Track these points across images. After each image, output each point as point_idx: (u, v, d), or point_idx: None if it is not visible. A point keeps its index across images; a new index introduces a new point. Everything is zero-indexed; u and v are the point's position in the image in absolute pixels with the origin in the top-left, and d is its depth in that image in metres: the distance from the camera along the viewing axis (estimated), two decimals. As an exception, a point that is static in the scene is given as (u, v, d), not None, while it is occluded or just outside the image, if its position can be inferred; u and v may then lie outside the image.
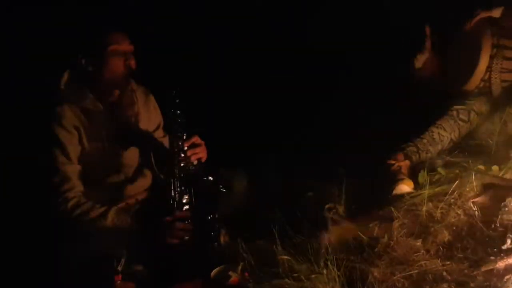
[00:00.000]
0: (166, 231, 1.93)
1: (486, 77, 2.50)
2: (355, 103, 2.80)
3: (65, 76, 2.05)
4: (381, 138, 2.50)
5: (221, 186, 2.09)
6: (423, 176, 2.19)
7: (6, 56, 2.60)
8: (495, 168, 2.12)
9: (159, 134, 2.25)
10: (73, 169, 2.01)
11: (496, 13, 2.49)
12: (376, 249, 1.85)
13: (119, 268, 1.83)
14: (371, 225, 2.00)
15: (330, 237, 1.93)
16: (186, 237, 1.94)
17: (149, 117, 2.22)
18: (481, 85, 2.52)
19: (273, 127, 2.87)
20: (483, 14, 2.51)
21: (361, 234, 1.95)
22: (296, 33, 3.09)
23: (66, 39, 2.15)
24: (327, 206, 2.22)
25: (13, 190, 2.42)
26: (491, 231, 1.79)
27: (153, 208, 2.07)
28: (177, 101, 1.99)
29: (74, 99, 2.03)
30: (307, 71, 3.06)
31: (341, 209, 2.20)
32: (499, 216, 1.81)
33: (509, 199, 1.83)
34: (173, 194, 1.97)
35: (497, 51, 2.47)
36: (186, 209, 1.97)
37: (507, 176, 2.06)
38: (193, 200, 1.99)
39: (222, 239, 2.05)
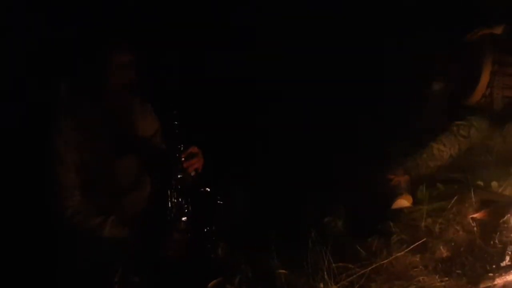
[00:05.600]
0: (163, 243, 1.92)
1: (487, 93, 2.51)
2: (356, 116, 2.80)
3: (65, 85, 2.06)
4: (381, 153, 2.51)
5: (218, 198, 2.08)
6: (422, 191, 2.19)
7: (6, 64, 2.62)
8: (494, 184, 2.12)
9: (156, 141, 2.25)
10: (71, 178, 2.01)
11: (498, 29, 2.50)
12: (374, 264, 1.84)
13: (116, 279, 1.83)
14: (369, 239, 2.00)
15: None
16: (183, 249, 1.93)
17: (146, 126, 2.21)
18: (482, 100, 2.52)
19: (272, 140, 2.87)
20: (485, 31, 2.52)
21: (359, 248, 1.95)
22: (299, 42, 3.10)
23: (66, 47, 2.17)
24: (326, 219, 2.21)
25: (12, 198, 2.42)
26: (490, 248, 1.78)
27: (151, 219, 2.07)
28: (174, 112, 2.00)
29: (73, 108, 2.03)
30: (309, 80, 3.06)
31: (340, 223, 2.19)
32: (498, 233, 1.80)
33: (508, 215, 1.83)
34: (170, 206, 1.97)
35: (498, 67, 2.48)
36: (183, 221, 1.97)
37: (506, 192, 2.06)
38: (190, 211, 1.99)
39: (219, 252, 2.04)
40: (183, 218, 1.96)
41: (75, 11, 2.65)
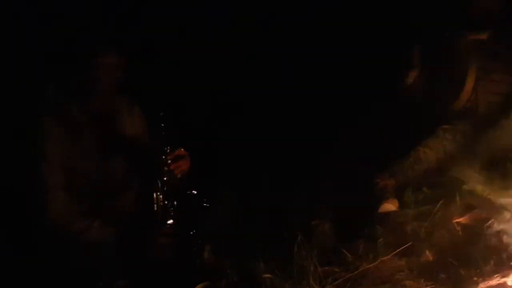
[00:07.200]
0: (149, 246, 1.91)
1: (473, 98, 2.53)
2: (342, 119, 2.80)
3: (51, 87, 2.05)
4: (368, 156, 2.51)
5: (205, 200, 2.07)
6: (408, 195, 2.20)
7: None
8: (479, 188, 2.13)
9: (143, 143, 2.23)
10: (56, 179, 1.98)
11: (483, 35, 2.52)
12: (360, 268, 1.84)
13: (101, 283, 1.81)
14: (356, 243, 2.00)
15: None
16: (169, 252, 1.92)
17: (133, 127, 2.20)
18: (468, 105, 2.55)
19: (260, 142, 2.87)
20: (471, 36, 2.54)
21: (346, 252, 1.95)
22: (288, 45, 3.09)
23: (53, 49, 2.15)
24: (312, 223, 2.21)
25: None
26: (474, 252, 1.80)
27: (137, 222, 2.05)
28: (161, 114, 1.99)
29: (59, 110, 2.02)
30: (295, 84, 3.06)
31: (326, 226, 2.19)
32: (482, 237, 1.82)
33: (493, 220, 1.85)
34: (156, 208, 1.96)
35: (483, 73, 2.50)
36: (169, 224, 1.96)
37: (491, 197, 2.07)
38: (177, 214, 1.98)
39: (205, 255, 2.03)
40: (169, 221, 1.96)
41: (63, 13, 2.63)
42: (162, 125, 2.00)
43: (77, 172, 2.03)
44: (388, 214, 2.19)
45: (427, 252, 1.88)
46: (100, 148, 2.07)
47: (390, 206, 2.23)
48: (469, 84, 2.51)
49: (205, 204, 2.07)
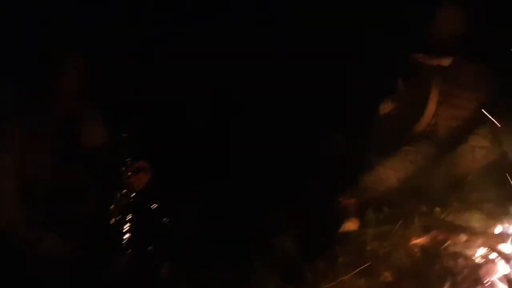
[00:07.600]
0: (104, 261, 1.85)
1: (433, 122, 2.58)
2: (305, 139, 2.82)
3: (10, 91, 1.98)
4: (330, 176, 2.53)
5: (164, 215, 2.03)
6: (369, 215, 2.22)
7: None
8: (437, 210, 2.17)
9: (104, 152, 2.17)
10: (10, 186, 1.91)
11: (446, 62, 2.58)
12: (320, 287, 1.83)
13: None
14: (316, 262, 1.99)
15: None
16: (125, 268, 1.86)
17: (94, 137, 2.15)
18: (428, 129, 2.60)
19: (222, 159, 2.85)
20: (433, 62, 2.60)
21: (305, 271, 1.94)
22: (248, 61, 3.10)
23: (16, 53, 2.10)
24: (274, 241, 2.19)
25: None
26: (431, 274, 1.81)
27: (92, 235, 1.98)
28: (124, 124, 1.95)
29: (20, 115, 1.96)
30: (265, 97, 3.06)
31: (288, 245, 2.18)
32: (439, 259, 1.84)
33: (449, 242, 1.87)
34: (112, 222, 1.90)
35: (445, 98, 2.55)
36: (125, 238, 1.90)
37: (448, 218, 2.11)
38: (134, 229, 1.92)
39: (162, 272, 1.98)
40: (126, 236, 1.90)
41: (29, 15, 2.56)
42: (124, 135, 1.96)
43: (32, 180, 1.96)
44: (348, 233, 2.20)
45: (385, 272, 1.88)
46: (57, 156, 2.01)
47: (351, 225, 2.24)
48: (431, 107, 2.57)
49: (164, 219, 2.03)
